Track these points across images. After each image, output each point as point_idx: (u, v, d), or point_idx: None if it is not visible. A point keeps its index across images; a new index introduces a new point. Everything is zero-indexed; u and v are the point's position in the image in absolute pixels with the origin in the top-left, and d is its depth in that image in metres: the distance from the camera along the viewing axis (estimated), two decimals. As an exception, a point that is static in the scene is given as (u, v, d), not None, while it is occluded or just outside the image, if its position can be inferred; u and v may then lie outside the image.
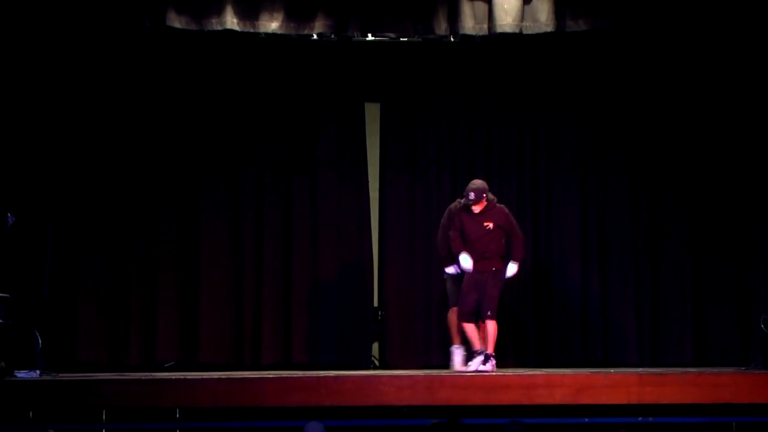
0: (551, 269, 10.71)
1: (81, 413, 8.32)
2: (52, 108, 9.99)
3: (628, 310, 10.58)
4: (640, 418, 8.48)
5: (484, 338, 9.31)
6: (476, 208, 9.32)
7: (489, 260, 9.34)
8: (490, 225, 9.34)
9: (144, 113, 10.46)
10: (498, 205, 9.46)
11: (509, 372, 9.17)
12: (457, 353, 9.51)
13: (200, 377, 8.60)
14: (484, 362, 9.16)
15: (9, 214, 9.20)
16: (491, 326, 9.24)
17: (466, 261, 9.29)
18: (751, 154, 10.14)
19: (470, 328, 9.29)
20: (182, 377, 8.71)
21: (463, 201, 9.45)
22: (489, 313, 9.24)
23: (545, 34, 9.64)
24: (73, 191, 10.26)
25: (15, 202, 9.38)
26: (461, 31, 9.58)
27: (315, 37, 9.90)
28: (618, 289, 10.63)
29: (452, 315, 9.56)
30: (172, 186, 10.49)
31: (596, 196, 10.72)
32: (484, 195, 9.32)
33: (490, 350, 9.22)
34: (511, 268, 9.37)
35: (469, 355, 9.34)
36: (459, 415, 7.93)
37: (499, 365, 9.40)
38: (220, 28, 9.44)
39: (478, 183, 9.40)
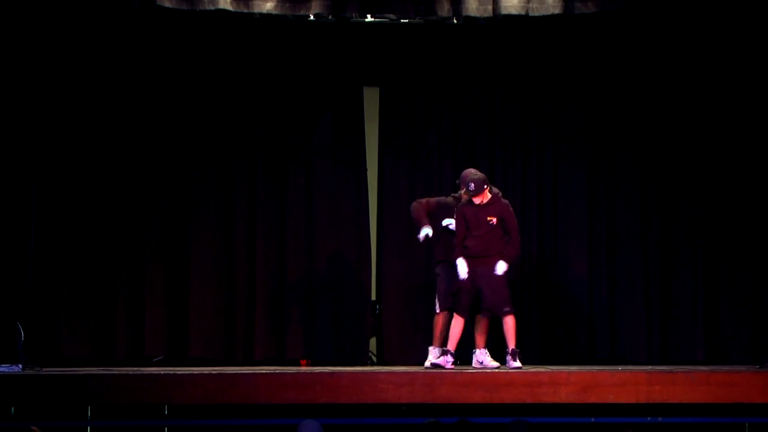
0: (557, 262, 10.58)
1: (65, 409, 8.27)
2: (35, 92, 9.88)
3: (636, 305, 10.48)
4: (648, 418, 8.43)
5: (484, 335, 9.21)
6: (478, 200, 9.04)
7: (491, 257, 9.08)
8: (494, 220, 9.07)
9: (133, 98, 10.34)
10: (503, 200, 9.21)
11: (512, 369, 8.94)
12: (434, 352, 9.31)
13: (190, 373, 8.57)
14: (514, 359, 9.03)
15: None
16: (511, 321, 9.08)
17: (462, 266, 9.02)
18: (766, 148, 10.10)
19: (460, 326, 9.09)
20: (171, 372, 8.67)
21: (462, 193, 9.14)
22: (507, 309, 9.08)
23: (552, 16, 9.54)
24: (57, 179, 10.15)
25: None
26: (464, 13, 9.47)
27: (311, 18, 9.83)
28: (626, 283, 10.52)
29: (441, 318, 9.33)
30: (161, 174, 10.37)
31: (605, 187, 10.62)
32: (486, 186, 9.04)
33: (512, 345, 9.06)
34: (501, 267, 9.06)
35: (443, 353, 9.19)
36: (460, 413, 7.93)
37: (501, 362, 9.23)
38: (212, 8, 9.34)
39: (474, 172, 9.17)
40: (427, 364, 9.22)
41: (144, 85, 10.31)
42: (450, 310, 9.22)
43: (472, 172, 9.25)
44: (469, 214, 9.12)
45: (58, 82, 10.09)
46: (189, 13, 9.47)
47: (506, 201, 9.25)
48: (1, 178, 9.69)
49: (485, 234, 9.08)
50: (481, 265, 9.07)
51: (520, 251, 9.35)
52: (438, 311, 9.37)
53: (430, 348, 9.34)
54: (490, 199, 9.12)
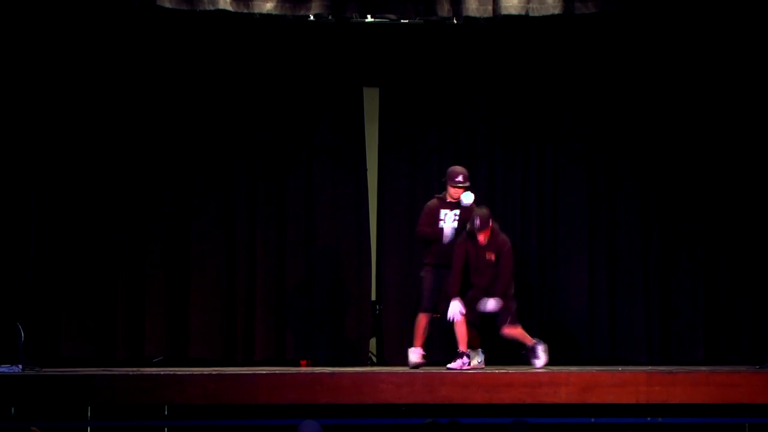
0: (557, 263, 10.55)
1: (65, 410, 8.26)
2: (35, 94, 9.90)
3: (636, 305, 10.45)
4: (648, 419, 8.41)
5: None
6: (482, 237, 8.93)
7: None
8: (492, 257, 9.01)
9: (132, 98, 10.32)
10: (501, 235, 9.10)
11: (512, 370, 8.99)
12: (416, 352, 9.25)
13: (190, 373, 8.55)
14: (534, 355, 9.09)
15: None
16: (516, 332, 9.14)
17: (455, 308, 8.91)
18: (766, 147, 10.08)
19: (464, 326, 9.04)
20: (171, 373, 8.66)
21: (467, 226, 9.10)
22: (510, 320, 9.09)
23: (552, 16, 9.54)
24: (57, 179, 10.13)
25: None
26: (465, 13, 9.46)
27: (311, 18, 9.83)
28: (626, 283, 10.49)
29: (423, 319, 9.27)
30: (161, 174, 10.35)
31: (605, 187, 10.59)
32: (490, 222, 8.96)
33: (530, 342, 9.10)
34: (490, 304, 8.99)
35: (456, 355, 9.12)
36: (460, 414, 7.95)
37: (501, 362, 9.15)
38: (212, 8, 9.34)
39: (481, 209, 9.05)
40: (412, 362, 9.11)
41: (144, 85, 10.28)
42: (432, 312, 9.19)
43: (459, 170, 9.18)
44: (471, 251, 8.98)
45: (58, 82, 10.07)
46: (189, 13, 9.46)
47: (505, 238, 9.11)
48: (1, 179, 9.68)
49: (486, 269, 9.02)
50: (485, 295, 9.06)
51: (507, 287, 9.17)
52: (423, 309, 9.28)
53: (411, 349, 9.23)
54: (491, 236, 8.97)
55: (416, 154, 10.61)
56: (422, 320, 9.27)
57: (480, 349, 9.27)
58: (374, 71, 10.64)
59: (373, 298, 10.60)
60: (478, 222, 8.88)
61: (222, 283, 10.31)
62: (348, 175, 10.54)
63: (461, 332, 8.99)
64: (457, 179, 9.19)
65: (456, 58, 10.60)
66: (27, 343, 9.11)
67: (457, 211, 9.20)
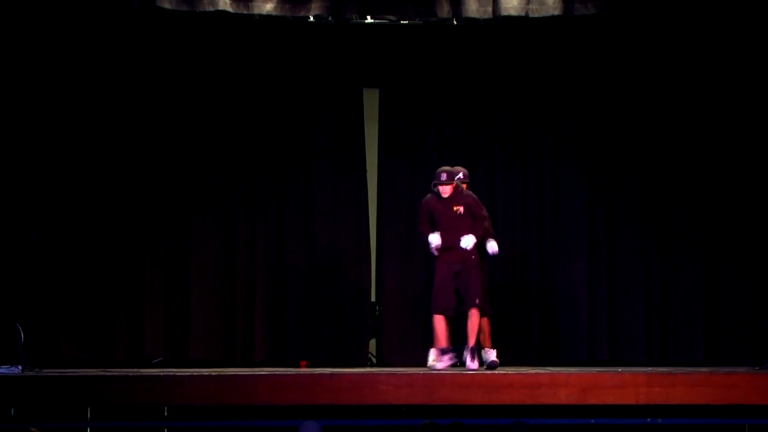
0: (556, 263, 10.54)
1: (65, 411, 8.24)
2: (35, 95, 9.91)
3: (636, 306, 10.44)
4: (648, 420, 8.39)
5: (471, 330, 9.02)
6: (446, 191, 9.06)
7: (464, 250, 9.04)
8: (461, 209, 9.04)
9: (132, 99, 10.32)
10: (466, 191, 9.16)
11: (512, 371, 8.97)
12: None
13: (190, 374, 8.54)
14: (472, 358, 8.96)
15: None
16: (476, 316, 8.96)
17: (434, 239, 9.03)
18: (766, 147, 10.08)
19: (442, 325, 9.03)
20: (171, 374, 8.66)
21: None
22: (477, 301, 8.96)
23: (552, 17, 9.54)
24: (57, 180, 10.14)
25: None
26: (464, 14, 9.47)
27: (311, 19, 9.84)
28: (626, 284, 10.48)
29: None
30: (160, 176, 10.35)
31: (605, 187, 10.58)
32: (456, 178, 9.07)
33: (471, 343, 8.97)
34: (492, 247, 9.08)
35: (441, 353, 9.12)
36: (459, 415, 7.93)
37: (501, 363, 9.15)
38: (212, 9, 9.35)
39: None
40: (439, 366, 9.01)
41: (144, 86, 10.29)
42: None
43: (442, 168, 9.21)
44: (436, 208, 9.10)
45: (58, 84, 10.07)
46: (189, 14, 9.46)
47: (469, 192, 9.16)
48: (1, 180, 9.70)
49: (456, 223, 9.05)
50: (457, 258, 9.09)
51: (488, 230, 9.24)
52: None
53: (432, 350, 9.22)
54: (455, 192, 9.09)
55: (416, 155, 10.61)
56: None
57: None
58: (374, 72, 10.65)
59: (373, 298, 10.60)
60: (444, 176, 8.93)
61: (222, 283, 10.31)
62: (348, 176, 10.54)
63: (441, 328, 8.98)
64: (441, 177, 9.19)
65: (456, 59, 10.60)
66: (27, 344, 9.09)
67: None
